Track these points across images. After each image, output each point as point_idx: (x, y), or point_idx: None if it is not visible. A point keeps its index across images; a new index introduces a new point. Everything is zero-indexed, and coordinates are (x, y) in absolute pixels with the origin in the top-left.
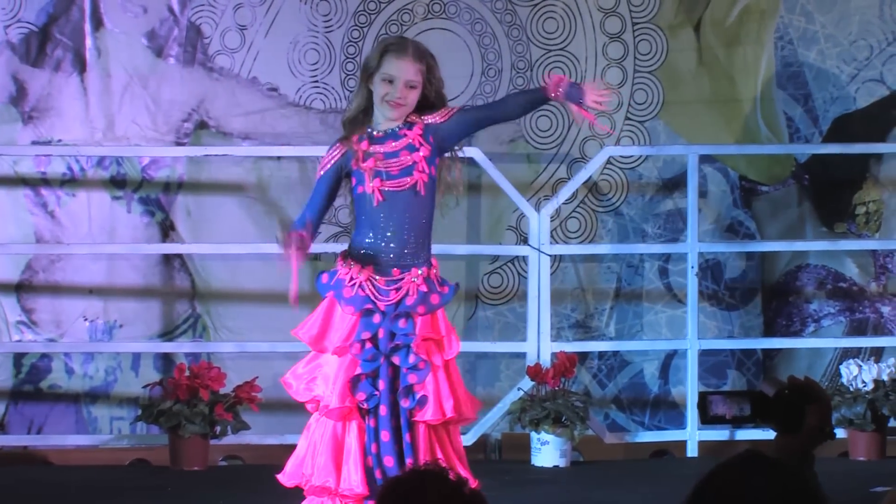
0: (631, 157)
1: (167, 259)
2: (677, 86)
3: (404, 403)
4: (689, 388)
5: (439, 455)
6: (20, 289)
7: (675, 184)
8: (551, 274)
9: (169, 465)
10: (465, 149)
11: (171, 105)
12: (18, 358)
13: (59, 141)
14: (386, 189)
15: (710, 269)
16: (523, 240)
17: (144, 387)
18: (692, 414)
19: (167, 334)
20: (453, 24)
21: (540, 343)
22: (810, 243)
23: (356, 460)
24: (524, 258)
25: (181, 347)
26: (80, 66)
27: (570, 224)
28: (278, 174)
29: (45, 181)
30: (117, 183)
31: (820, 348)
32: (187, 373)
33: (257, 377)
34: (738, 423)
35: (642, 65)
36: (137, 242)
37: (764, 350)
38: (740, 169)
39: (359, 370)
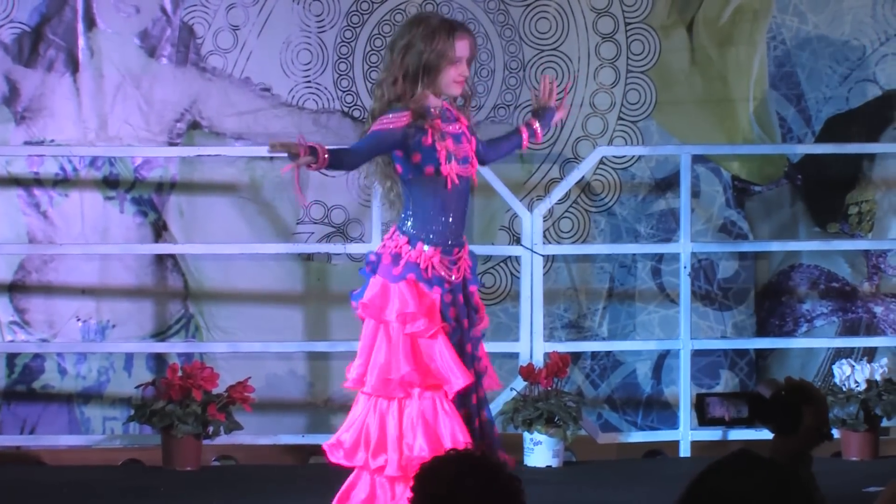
0: (624, 157)
1: (160, 259)
2: (670, 86)
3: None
4: (682, 389)
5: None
6: (13, 289)
7: (667, 184)
8: (544, 274)
9: (162, 465)
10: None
11: (163, 105)
12: (11, 358)
13: (52, 141)
14: (461, 174)
15: (703, 269)
16: (516, 240)
17: (137, 387)
18: (685, 414)
19: (160, 334)
20: None
21: (533, 343)
22: (803, 243)
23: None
24: (517, 258)
25: (174, 347)
26: (73, 66)
27: (562, 224)
28: (271, 174)
29: (37, 181)
30: (110, 183)
31: (813, 348)
32: (180, 373)
33: (250, 377)
34: (735, 424)
35: (635, 65)
36: (130, 243)
37: (757, 350)
38: (733, 169)
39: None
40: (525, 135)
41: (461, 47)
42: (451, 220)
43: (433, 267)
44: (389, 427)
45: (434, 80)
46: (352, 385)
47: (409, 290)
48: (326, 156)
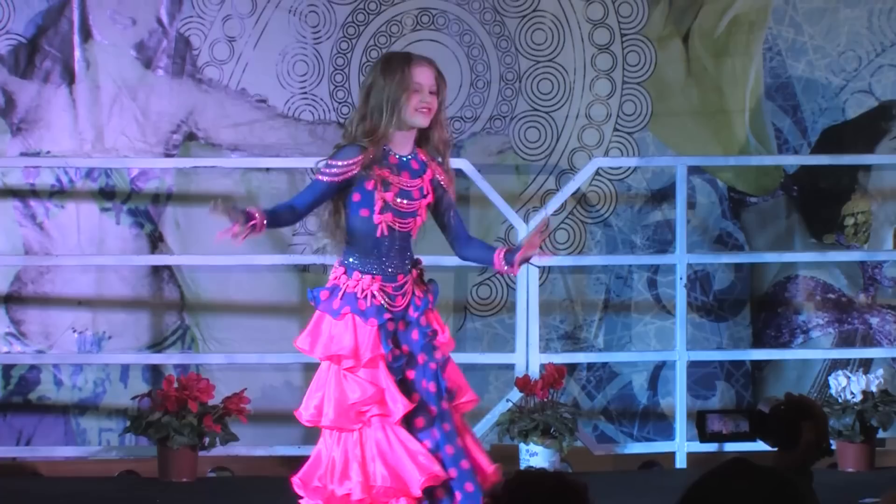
0: (619, 168)
1: (156, 270)
2: (666, 97)
3: (444, 405)
4: (678, 400)
5: (469, 442)
6: (9, 300)
7: (663, 195)
8: (540, 285)
9: (157, 476)
10: (453, 160)
11: (159, 116)
12: (7, 369)
13: (48, 152)
14: (392, 226)
15: (699, 280)
16: None
17: (133, 398)
18: (681, 425)
19: (156, 346)
20: (442, 35)
21: (529, 354)
22: (799, 254)
23: (415, 460)
24: None
25: (170, 359)
26: (69, 77)
27: (558, 235)
28: (267, 186)
29: (33, 192)
30: (106, 194)
31: (809, 359)
32: (176, 384)
33: (246, 388)
34: (735, 439)
35: (631, 76)
36: (126, 254)
37: (753, 361)
38: (729, 180)
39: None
40: (497, 264)
41: (418, 73)
42: (384, 259)
43: (372, 295)
44: (353, 455)
45: (399, 113)
46: (310, 422)
47: (344, 326)
48: (265, 221)
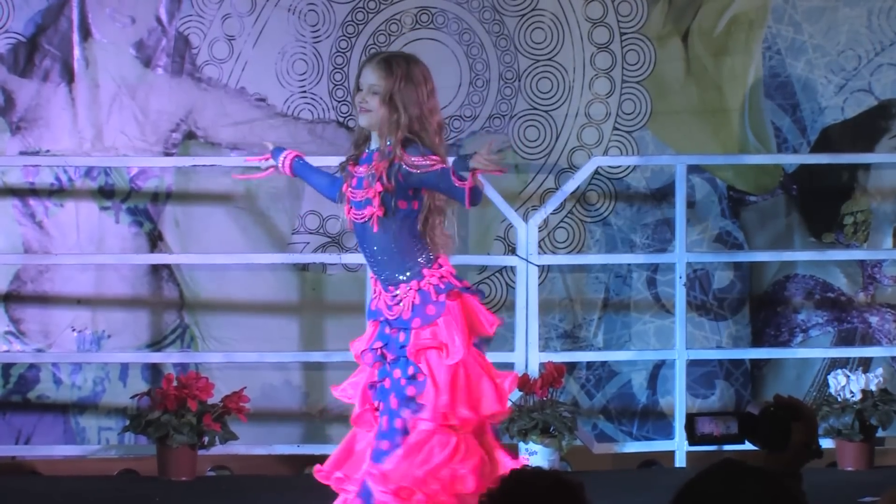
0: (619, 167)
1: (155, 269)
2: (665, 96)
3: (404, 414)
4: (678, 399)
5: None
6: (8, 299)
7: (663, 194)
8: (539, 284)
9: (157, 475)
10: (450, 159)
11: (159, 115)
12: (6, 368)
13: (48, 151)
14: (353, 218)
15: (699, 279)
16: (511, 250)
17: (132, 397)
18: (680, 424)
19: (155, 344)
20: (441, 34)
21: (528, 353)
22: (798, 253)
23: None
24: (512, 268)
25: (169, 358)
26: (69, 76)
27: (558, 234)
28: (266, 184)
29: (33, 191)
30: (105, 193)
31: (808, 358)
32: (175, 383)
33: (245, 387)
34: (725, 441)
35: (630, 75)
36: (126, 253)
37: (752, 360)
38: (728, 179)
39: (374, 377)
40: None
41: (363, 74)
42: (370, 258)
43: (377, 298)
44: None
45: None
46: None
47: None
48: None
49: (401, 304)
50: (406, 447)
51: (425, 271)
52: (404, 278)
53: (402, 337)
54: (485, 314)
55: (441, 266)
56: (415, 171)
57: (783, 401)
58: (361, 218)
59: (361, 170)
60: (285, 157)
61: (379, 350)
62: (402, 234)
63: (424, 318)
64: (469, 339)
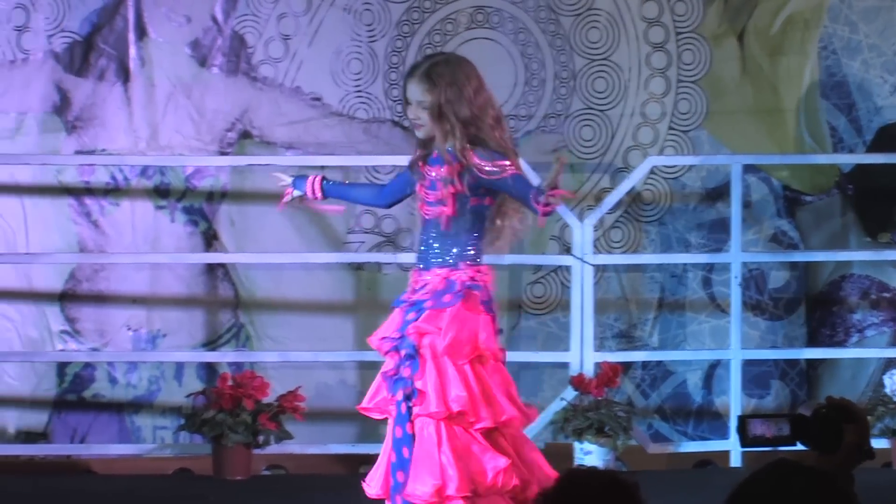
0: (674, 166)
1: (210, 268)
2: (721, 95)
3: (398, 396)
4: (733, 399)
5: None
6: (64, 298)
7: (718, 193)
8: (594, 284)
9: (212, 474)
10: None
11: (214, 114)
12: (62, 367)
13: (103, 150)
14: (425, 214)
15: (754, 278)
16: (566, 250)
17: (188, 396)
18: (735, 424)
19: (210, 343)
20: (497, 33)
21: (583, 353)
22: (854, 253)
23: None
24: (567, 268)
25: (224, 357)
26: (124, 75)
27: (613, 234)
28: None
29: (88, 190)
30: (161, 192)
31: (864, 358)
32: (231, 382)
33: (301, 386)
34: (777, 443)
35: (686, 74)
36: (181, 252)
37: (808, 360)
38: (784, 179)
39: (390, 367)
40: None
41: (407, 88)
42: (423, 242)
43: (410, 284)
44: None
45: None
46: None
47: None
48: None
49: (426, 287)
50: (416, 454)
51: (462, 265)
52: (441, 262)
53: (411, 315)
54: (489, 338)
55: (480, 271)
56: (485, 177)
57: (835, 402)
58: (434, 215)
59: (434, 171)
60: (313, 182)
61: (396, 340)
62: (466, 227)
63: (438, 303)
64: (474, 343)
